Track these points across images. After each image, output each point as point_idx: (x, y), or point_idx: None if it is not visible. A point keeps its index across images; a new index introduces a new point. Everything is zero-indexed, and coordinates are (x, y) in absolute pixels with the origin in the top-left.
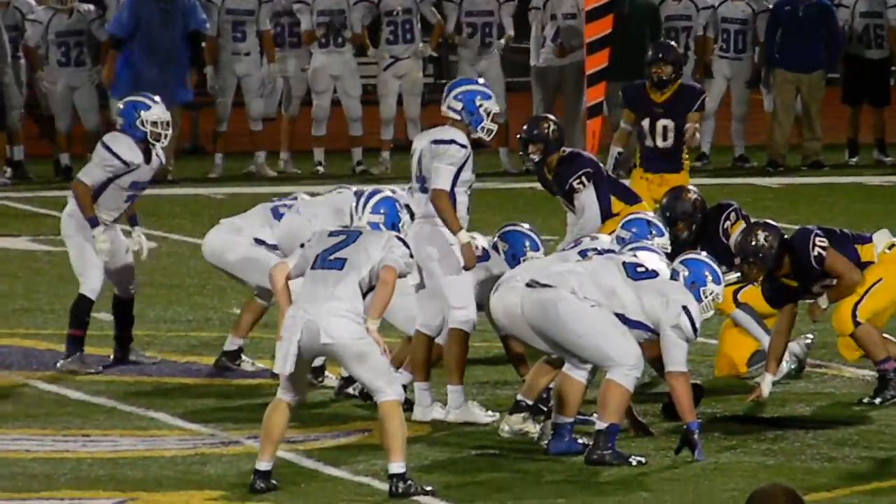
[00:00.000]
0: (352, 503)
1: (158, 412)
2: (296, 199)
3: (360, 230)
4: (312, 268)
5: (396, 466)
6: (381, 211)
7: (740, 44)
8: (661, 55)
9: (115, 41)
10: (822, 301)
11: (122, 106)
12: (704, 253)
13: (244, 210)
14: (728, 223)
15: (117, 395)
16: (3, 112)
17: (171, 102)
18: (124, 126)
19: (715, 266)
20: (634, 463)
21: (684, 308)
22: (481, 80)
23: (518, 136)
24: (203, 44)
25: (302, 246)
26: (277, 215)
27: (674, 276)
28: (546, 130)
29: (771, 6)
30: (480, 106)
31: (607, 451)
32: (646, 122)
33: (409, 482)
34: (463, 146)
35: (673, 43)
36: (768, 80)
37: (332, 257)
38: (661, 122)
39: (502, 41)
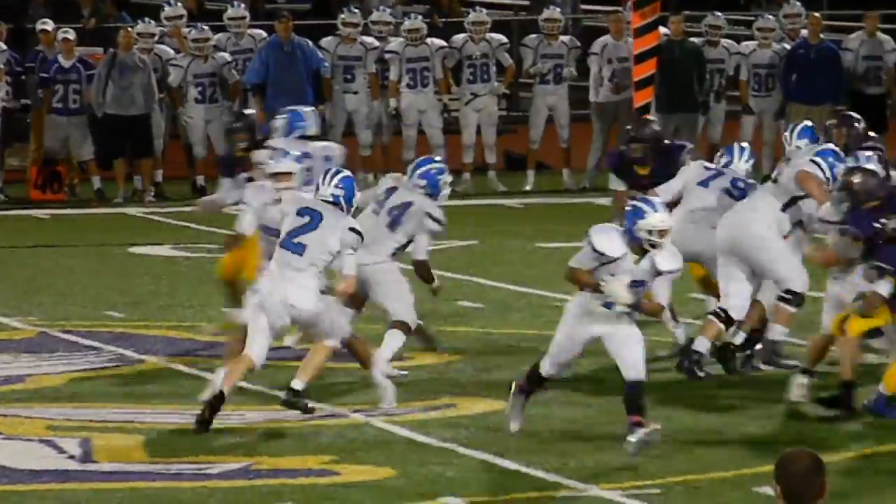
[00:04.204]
0: (440, 465)
1: (280, 390)
2: None
3: (322, 211)
4: (280, 245)
5: (298, 384)
6: (341, 186)
7: (769, 83)
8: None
9: (254, 88)
10: None
11: None
12: None
13: None
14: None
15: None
16: (150, 142)
17: None
18: None
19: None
20: None
21: None
22: (438, 158)
23: (628, 134)
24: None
25: None
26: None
27: None
28: (652, 133)
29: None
30: (440, 180)
31: None
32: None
33: (303, 399)
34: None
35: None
36: (783, 112)
37: (295, 240)
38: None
39: (566, 78)
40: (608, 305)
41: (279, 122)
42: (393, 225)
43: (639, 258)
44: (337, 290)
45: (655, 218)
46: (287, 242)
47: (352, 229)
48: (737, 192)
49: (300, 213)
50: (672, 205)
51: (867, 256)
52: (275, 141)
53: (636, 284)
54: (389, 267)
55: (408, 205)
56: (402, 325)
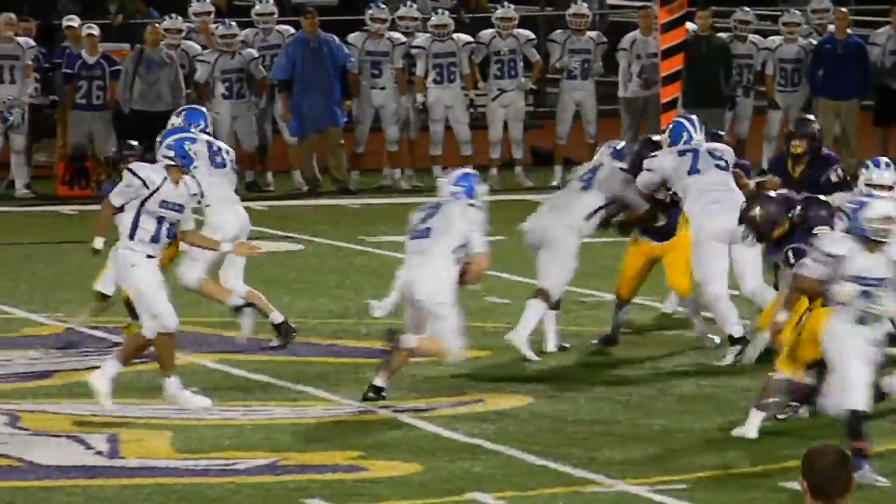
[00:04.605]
0: (467, 461)
1: (306, 386)
2: None
3: (442, 202)
4: (410, 237)
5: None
6: (460, 185)
7: (796, 78)
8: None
9: (281, 84)
10: None
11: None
12: None
13: (373, 216)
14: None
15: (272, 373)
16: None
17: (331, 125)
18: None
19: None
20: None
21: None
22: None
23: (788, 130)
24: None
25: None
26: None
27: None
28: (813, 130)
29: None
30: (189, 149)
31: None
32: None
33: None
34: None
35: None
36: (810, 107)
37: (422, 226)
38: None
39: (594, 73)
40: (865, 320)
41: (176, 120)
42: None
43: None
44: (471, 270)
45: (880, 206)
46: (415, 233)
47: (471, 205)
48: (722, 162)
49: (424, 209)
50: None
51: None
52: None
53: (872, 283)
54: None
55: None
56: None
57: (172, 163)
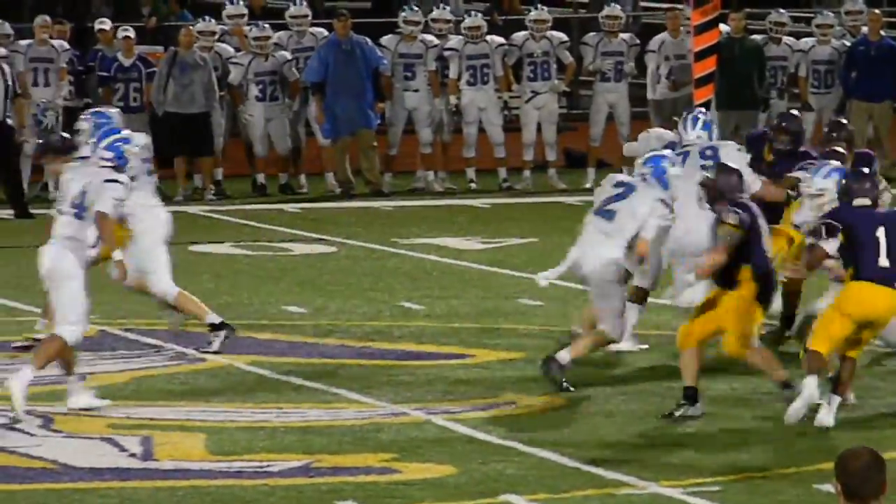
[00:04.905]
0: (500, 463)
1: (339, 388)
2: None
3: (634, 185)
4: (594, 212)
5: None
6: (649, 166)
7: (829, 80)
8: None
9: (314, 87)
10: None
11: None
12: None
13: (406, 218)
14: None
15: (305, 375)
16: (211, 140)
17: (364, 127)
18: None
19: None
20: None
21: None
22: (127, 132)
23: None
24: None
25: None
26: None
27: None
28: (798, 127)
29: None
30: (125, 151)
31: None
32: None
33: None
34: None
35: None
36: (843, 109)
37: (607, 208)
38: None
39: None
40: None
41: (84, 124)
42: None
43: None
44: (637, 249)
45: None
46: (601, 210)
47: (662, 201)
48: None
49: (616, 184)
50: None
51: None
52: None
53: None
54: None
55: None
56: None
57: (110, 164)
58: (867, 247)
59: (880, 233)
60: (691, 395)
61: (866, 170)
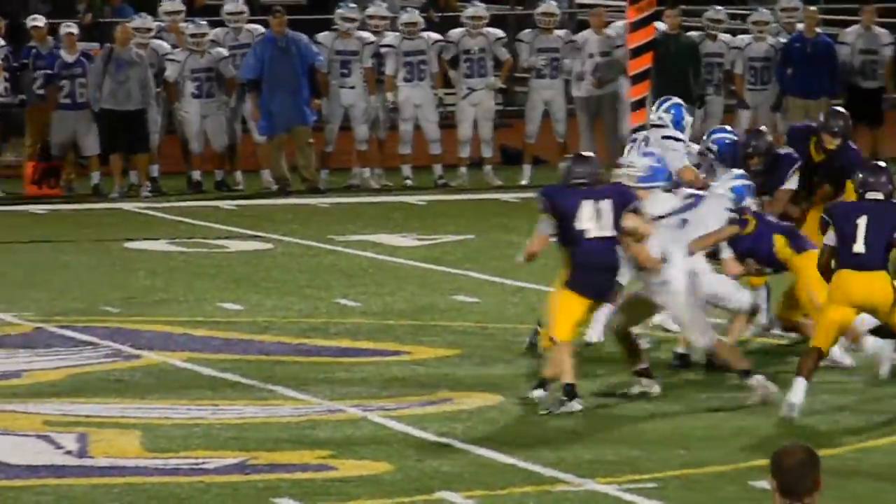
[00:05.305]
0: (437, 460)
1: (276, 385)
2: None
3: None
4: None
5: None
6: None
7: (765, 77)
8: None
9: (250, 84)
10: None
11: None
12: None
13: (342, 215)
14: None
15: (241, 372)
16: (147, 137)
17: (300, 123)
18: None
19: None
20: None
21: None
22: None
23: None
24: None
25: None
26: None
27: None
28: (765, 144)
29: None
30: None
31: None
32: None
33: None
34: None
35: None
36: (780, 106)
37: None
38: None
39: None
40: None
41: None
42: None
43: None
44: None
45: None
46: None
47: (729, 209)
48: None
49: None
50: None
51: None
52: None
53: None
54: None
55: None
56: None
57: None
58: (846, 237)
59: (861, 221)
60: (570, 392)
61: (882, 164)
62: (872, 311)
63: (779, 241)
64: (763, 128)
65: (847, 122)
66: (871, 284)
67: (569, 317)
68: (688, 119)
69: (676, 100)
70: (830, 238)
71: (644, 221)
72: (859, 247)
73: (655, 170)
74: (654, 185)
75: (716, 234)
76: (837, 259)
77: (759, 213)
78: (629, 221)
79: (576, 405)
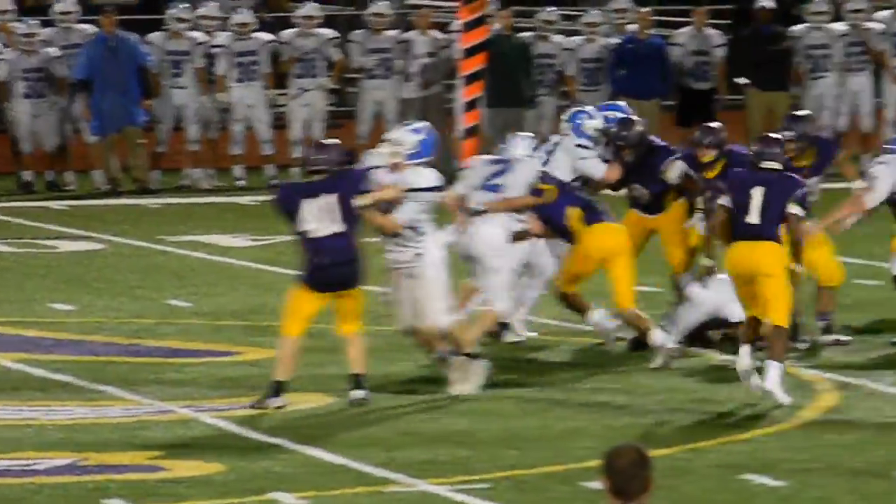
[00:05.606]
0: (268, 460)
1: (107, 386)
2: None
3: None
4: None
5: None
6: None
7: (597, 78)
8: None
9: (80, 84)
10: None
11: None
12: None
13: (173, 216)
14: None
15: (72, 372)
16: None
17: (130, 124)
18: None
19: None
20: None
21: None
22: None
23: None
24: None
25: None
26: None
27: None
28: (636, 135)
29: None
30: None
31: None
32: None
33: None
34: None
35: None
36: None
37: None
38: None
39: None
40: None
41: None
42: None
43: None
44: None
45: None
46: None
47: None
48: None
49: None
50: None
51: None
52: None
53: None
54: None
55: None
56: None
57: None
58: (740, 207)
59: (756, 192)
60: (277, 389)
61: (777, 136)
62: (754, 281)
63: (573, 214)
64: (634, 117)
65: (718, 134)
66: (757, 251)
67: (297, 312)
68: (589, 123)
69: (582, 108)
70: (726, 200)
71: (380, 193)
72: (753, 217)
73: (423, 144)
74: (422, 160)
75: (513, 201)
76: (733, 230)
77: (563, 184)
78: (362, 200)
79: (279, 401)
